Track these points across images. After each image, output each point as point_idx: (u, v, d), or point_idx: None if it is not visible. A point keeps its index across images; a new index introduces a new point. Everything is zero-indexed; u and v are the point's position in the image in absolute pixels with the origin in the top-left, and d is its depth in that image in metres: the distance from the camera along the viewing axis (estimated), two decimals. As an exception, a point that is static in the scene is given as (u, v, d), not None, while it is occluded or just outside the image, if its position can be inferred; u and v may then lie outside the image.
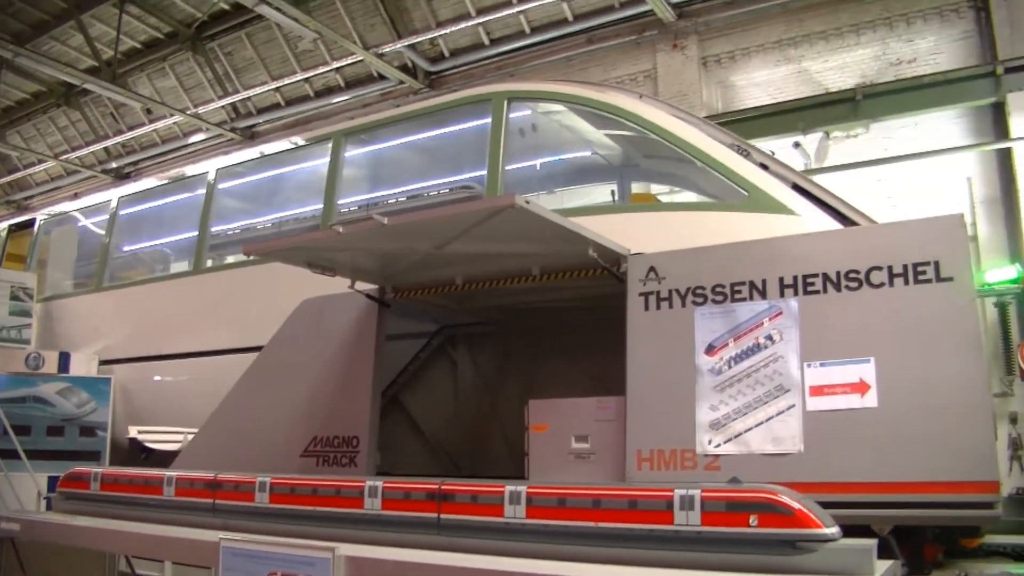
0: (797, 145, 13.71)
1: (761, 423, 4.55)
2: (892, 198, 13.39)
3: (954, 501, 4.13)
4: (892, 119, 13.45)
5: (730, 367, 4.71)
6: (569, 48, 16.20)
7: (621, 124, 7.92)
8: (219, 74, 19.53)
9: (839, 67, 14.14)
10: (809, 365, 4.52)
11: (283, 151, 10.62)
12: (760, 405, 4.58)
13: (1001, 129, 12.77)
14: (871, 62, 13.95)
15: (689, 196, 8.45)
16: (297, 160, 10.58)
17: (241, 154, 11.33)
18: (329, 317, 6.53)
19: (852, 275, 4.56)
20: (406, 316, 7.65)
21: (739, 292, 4.80)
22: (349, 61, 17.64)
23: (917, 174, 13.28)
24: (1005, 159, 12.72)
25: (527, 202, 4.28)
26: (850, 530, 4.40)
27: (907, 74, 13.55)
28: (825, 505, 4.38)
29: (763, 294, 4.73)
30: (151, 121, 20.59)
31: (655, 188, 10.14)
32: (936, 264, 4.39)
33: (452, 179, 9.13)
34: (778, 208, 6.53)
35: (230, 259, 10.96)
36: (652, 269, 5.08)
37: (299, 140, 10.38)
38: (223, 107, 19.97)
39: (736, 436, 4.60)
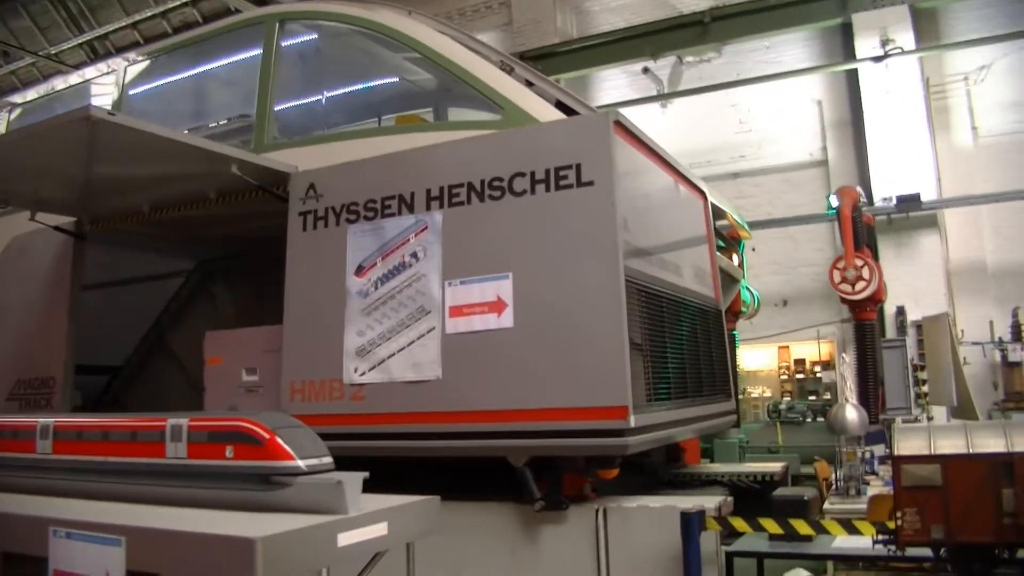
0: (646, 71, 13.30)
1: (403, 348, 4.20)
2: (745, 123, 13.14)
3: (583, 429, 3.80)
4: (742, 42, 13.08)
5: (376, 288, 4.33)
6: (426, -28, 15.48)
7: (393, 44, 7.45)
8: (73, 13, 18.59)
9: (694, -11, 13.69)
10: (450, 284, 4.15)
11: (73, 86, 9.99)
12: (403, 329, 4.22)
13: (849, 51, 12.48)
14: (725, -16, 13.53)
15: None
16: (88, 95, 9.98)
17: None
18: (33, 254, 6.06)
19: (496, 183, 4.17)
20: (161, 254, 7.24)
21: (389, 207, 4.40)
22: (205, -6, 16.81)
23: (769, 98, 13.00)
24: (853, 82, 12.44)
25: (111, 114, 3.85)
26: (488, 463, 4.13)
27: (758, -5, 13.16)
28: (461, 436, 4.11)
29: (411, 208, 4.35)
30: (7, 63, 19.59)
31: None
32: (578, 167, 3.99)
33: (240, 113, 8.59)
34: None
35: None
36: (311, 187, 4.67)
37: (86, 74, 9.75)
38: (81, 47, 19.01)
39: (380, 363, 4.25)
